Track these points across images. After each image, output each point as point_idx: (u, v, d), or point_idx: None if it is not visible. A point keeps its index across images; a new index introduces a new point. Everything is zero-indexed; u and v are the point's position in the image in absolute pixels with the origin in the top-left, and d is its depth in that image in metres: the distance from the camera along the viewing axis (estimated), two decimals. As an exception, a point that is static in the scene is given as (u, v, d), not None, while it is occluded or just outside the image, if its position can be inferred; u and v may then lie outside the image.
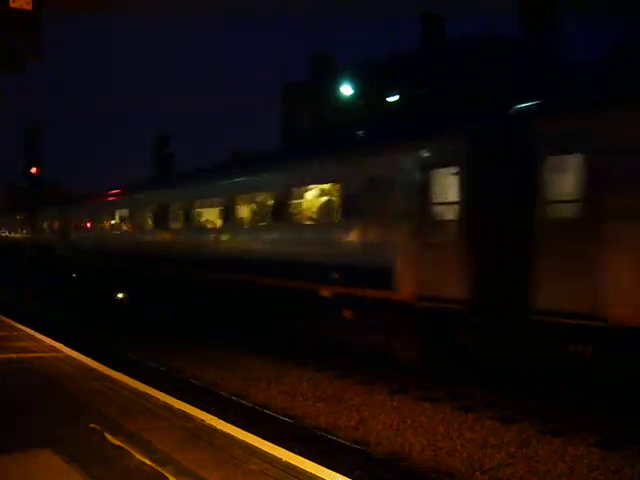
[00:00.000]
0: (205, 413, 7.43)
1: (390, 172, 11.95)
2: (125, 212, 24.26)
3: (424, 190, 11.19)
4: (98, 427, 6.59)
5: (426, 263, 10.99)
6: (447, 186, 10.81)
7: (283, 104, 70.45)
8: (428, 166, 11.14)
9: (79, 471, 5.39)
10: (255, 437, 6.50)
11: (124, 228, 24.43)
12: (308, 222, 14.63)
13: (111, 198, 25.93)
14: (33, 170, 33.85)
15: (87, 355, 11.31)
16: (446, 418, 9.65)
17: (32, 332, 13.96)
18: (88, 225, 28.13)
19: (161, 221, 21.00)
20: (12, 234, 44.44)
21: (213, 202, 18.19)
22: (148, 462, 5.60)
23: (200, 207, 18.96)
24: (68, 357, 10.98)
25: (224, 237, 17.51)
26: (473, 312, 10.28)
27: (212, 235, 18.21)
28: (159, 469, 5.43)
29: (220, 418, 7.26)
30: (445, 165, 10.77)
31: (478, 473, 7.58)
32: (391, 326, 11.96)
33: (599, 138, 8.69)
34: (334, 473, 5.57)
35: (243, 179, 17.20)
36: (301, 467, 5.57)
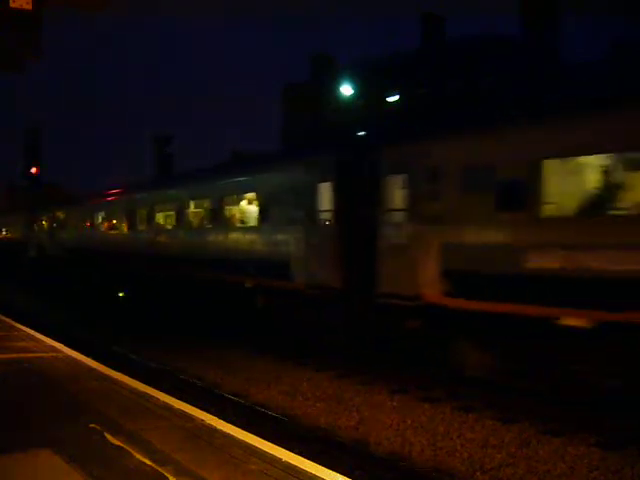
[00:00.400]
0: (205, 413, 7.43)
1: (288, 186, 14.85)
2: (99, 215, 27.32)
3: (312, 200, 13.97)
4: (98, 427, 6.59)
5: (312, 259, 13.85)
6: (325, 197, 13.63)
7: (283, 104, 70.48)
8: (315, 181, 13.91)
9: (79, 471, 5.39)
10: (255, 437, 6.50)
11: (99, 229, 27.26)
12: (238, 225, 17.36)
13: (88, 202, 29.20)
14: (33, 170, 33.88)
15: (87, 355, 11.31)
16: (446, 418, 9.65)
17: (32, 332, 13.96)
18: (71, 226, 31.07)
19: (128, 223, 23.91)
20: (12, 234, 44.75)
21: (170, 207, 21.11)
22: (148, 462, 5.60)
23: (159, 211, 21.80)
24: (68, 357, 10.98)
25: (177, 237, 20.40)
26: (342, 297, 13.13)
27: (168, 235, 21.17)
28: (159, 469, 5.43)
29: (220, 418, 7.26)
30: (325, 181, 13.62)
31: (478, 473, 7.58)
32: (291, 309, 14.95)
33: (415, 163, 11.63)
34: (334, 473, 5.57)
35: (191, 188, 20.06)
36: (301, 467, 5.57)
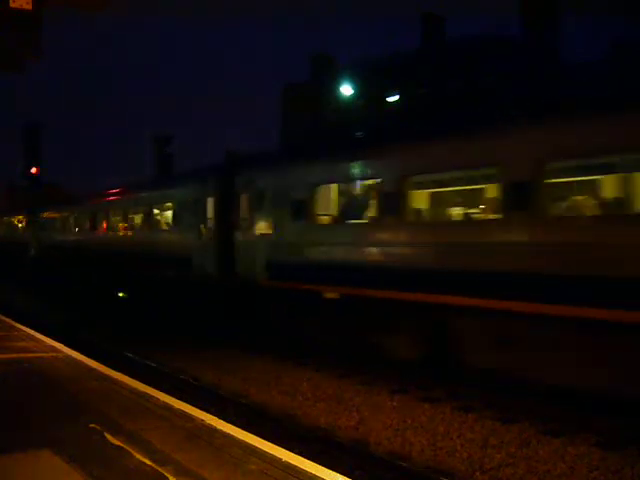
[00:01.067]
0: (205, 413, 7.43)
1: (188, 199, 19.14)
2: (71, 218, 31.12)
3: (203, 210, 18.19)
4: (98, 427, 6.59)
5: (200, 255, 18.12)
6: (210, 208, 17.89)
7: (283, 104, 70.48)
8: (205, 196, 18.12)
9: (79, 471, 5.39)
10: (255, 437, 6.50)
11: (71, 231, 30.95)
12: (163, 228, 21.76)
13: (65, 206, 33.16)
14: (33, 170, 33.87)
15: (87, 355, 11.31)
16: (446, 418, 9.65)
17: (32, 332, 13.97)
18: (51, 227, 34.50)
19: (88, 225, 28.43)
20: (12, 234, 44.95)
21: (120, 212, 25.24)
22: (148, 462, 5.60)
23: (114, 216, 25.94)
24: (68, 357, 10.98)
25: (125, 237, 24.58)
26: (219, 281, 17.29)
27: (119, 235, 25.01)
28: (159, 469, 5.43)
29: (220, 418, 7.26)
30: (210, 196, 17.91)
31: (478, 473, 7.58)
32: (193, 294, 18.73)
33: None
34: (334, 473, 5.57)
35: (134, 197, 24.37)
36: (301, 467, 5.57)
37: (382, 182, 12.58)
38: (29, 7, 8.14)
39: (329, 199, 14.37)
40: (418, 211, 12.50)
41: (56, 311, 23.28)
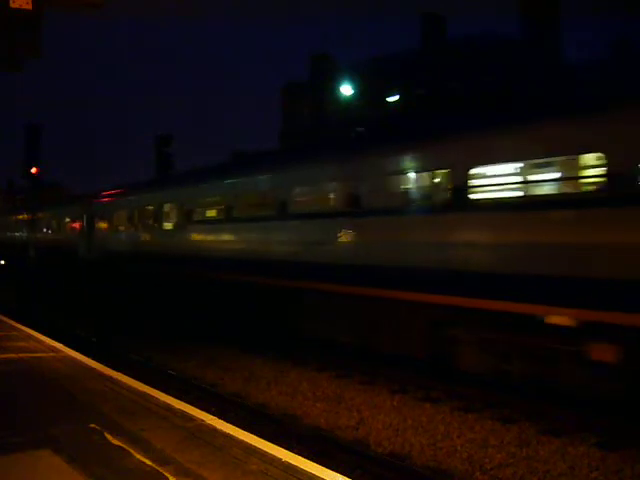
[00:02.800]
0: (205, 413, 7.44)
1: (76, 214, 30.20)
2: (45, 221, 37.48)
3: (82, 221, 28.93)
4: (98, 427, 6.60)
5: (80, 245, 28.94)
6: (84, 220, 28.65)
7: (283, 104, 70.45)
8: (82, 213, 28.87)
9: (79, 471, 5.39)
10: (255, 437, 6.50)
11: (44, 231, 37.37)
12: (64, 231, 33.47)
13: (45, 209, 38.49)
14: (33, 170, 33.90)
15: (87, 355, 11.31)
16: (446, 418, 9.66)
17: (32, 332, 13.97)
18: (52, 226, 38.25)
19: (51, 225, 36.40)
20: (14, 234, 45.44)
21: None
22: (148, 462, 5.60)
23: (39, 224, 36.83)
24: (68, 357, 10.98)
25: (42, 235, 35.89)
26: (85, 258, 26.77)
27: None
28: (159, 469, 5.43)
29: (220, 418, 7.26)
30: (84, 213, 28.68)
31: (478, 473, 7.58)
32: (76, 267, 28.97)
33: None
34: (334, 473, 5.57)
35: (48, 213, 36.24)
36: (301, 467, 5.57)
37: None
38: (29, 7, 8.13)
39: (121, 217, 25.25)
40: None
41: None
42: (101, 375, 9.47)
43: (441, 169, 11.36)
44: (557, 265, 9.13)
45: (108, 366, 10.24)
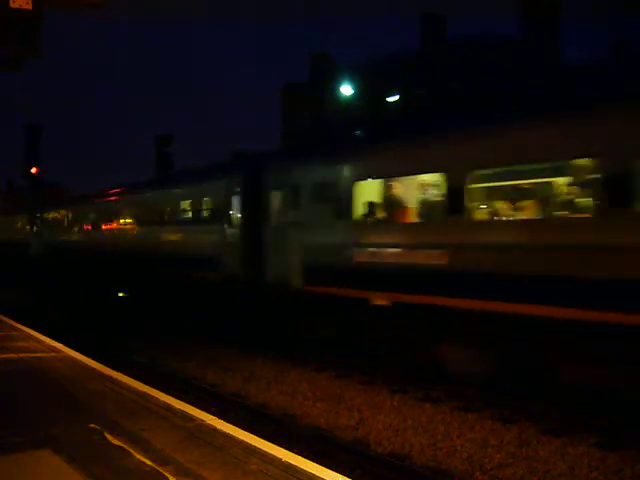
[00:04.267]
0: (205, 413, 7.43)
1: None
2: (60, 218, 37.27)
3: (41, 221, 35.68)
4: (98, 427, 6.59)
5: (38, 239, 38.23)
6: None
7: (283, 104, 70.46)
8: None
9: (79, 471, 5.39)
10: (255, 437, 6.50)
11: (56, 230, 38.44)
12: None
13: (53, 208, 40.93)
14: (33, 170, 33.87)
15: (87, 355, 11.31)
16: (446, 418, 9.65)
17: (32, 332, 13.97)
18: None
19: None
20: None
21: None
22: (148, 462, 5.60)
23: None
24: (68, 357, 10.98)
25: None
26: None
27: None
28: (159, 469, 5.43)
29: (220, 418, 7.26)
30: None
31: (478, 473, 7.58)
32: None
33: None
34: (334, 473, 5.57)
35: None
36: (301, 467, 5.57)
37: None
38: (29, 7, 8.13)
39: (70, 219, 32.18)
40: None
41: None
42: (101, 375, 9.47)
43: None
44: None
45: (108, 366, 10.23)
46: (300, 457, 5.95)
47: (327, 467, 5.71)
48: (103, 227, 27.75)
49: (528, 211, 10.44)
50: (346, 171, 13.44)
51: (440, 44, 54.71)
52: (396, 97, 51.22)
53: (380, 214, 12.79)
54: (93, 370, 9.86)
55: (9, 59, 8.88)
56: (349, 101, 40.42)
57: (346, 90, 33.76)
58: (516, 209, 10.57)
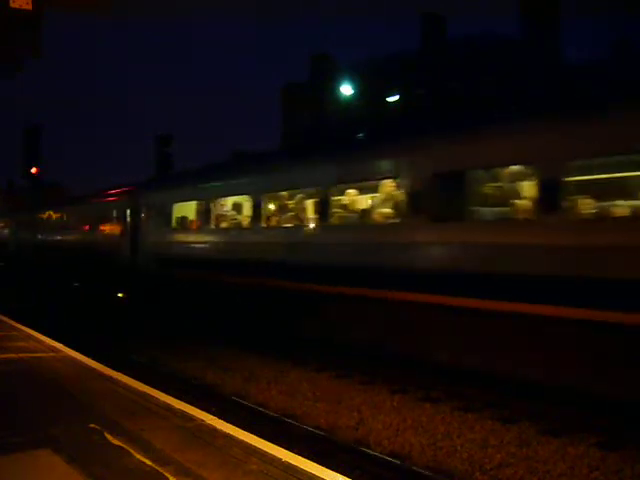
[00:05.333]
0: (205, 413, 7.43)
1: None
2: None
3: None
4: (98, 427, 6.59)
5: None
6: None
7: (283, 104, 70.46)
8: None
9: (79, 471, 5.39)
10: (255, 437, 6.49)
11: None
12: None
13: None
14: (33, 170, 33.87)
15: (87, 355, 11.31)
16: (446, 418, 9.65)
17: (32, 332, 13.96)
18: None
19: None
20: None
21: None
22: (148, 462, 5.60)
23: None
24: (68, 357, 10.97)
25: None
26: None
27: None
28: (159, 469, 5.43)
29: (220, 418, 7.25)
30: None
31: (478, 473, 7.58)
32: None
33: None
34: (334, 473, 5.56)
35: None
36: (301, 467, 5.56)
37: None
38: (29, 7, 8.13)
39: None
40: None
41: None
42: (101, 375, 9.46)
43: None
44: None
45: (108, 366, 10.23)
46: (300, 457, 5.94)
47: (327, 467, 5.71)
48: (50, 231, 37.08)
49: None
50: (169, 196, 21.13)
51: (440, 44, 54.70)
52: (396, 97, 51.22)
53: (185, 224, 20.23)
54: (93, 370, 9.86)
55: (9, 59, 8.88)
56: (349, 101, 40.44)
57: (346, 90, 33.78)
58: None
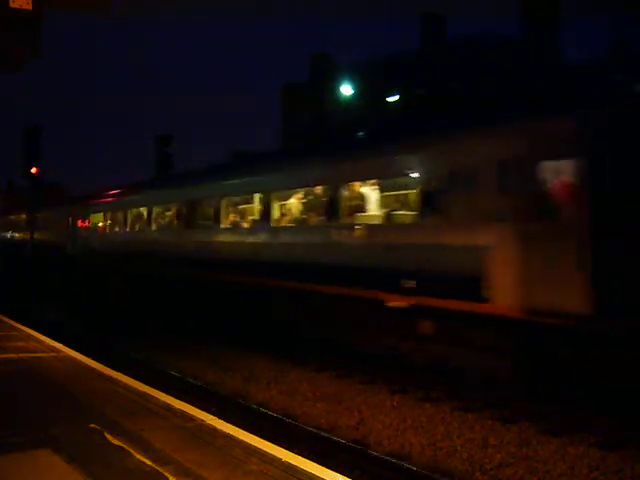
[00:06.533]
0: (205, 413, 7.43)
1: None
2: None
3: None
4: (98, 427, 6.59)
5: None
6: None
7: (283, 104, 70.44)
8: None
9: (79, 471, 5.39)
10: (255, 437, 6.49)
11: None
12: None
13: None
14: (33, 170, 33.93)
15: (87, 355, 11.31)
16: (446, 418, 9.65)
17: (32, 332, 13.96)
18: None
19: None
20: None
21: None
22: (148, 462, 5.60)
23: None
24: (68, 357, 10.97)
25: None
26: None
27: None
28: (159, 469, 5.43)
29: (220, 418, 7.25)
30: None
31: (478, 473, 7.58)
32: None
33: None
34: (334, 473, 5.57)
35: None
36: (301, 467, 5.57)
37: None
38: (29, 7, 8.13)
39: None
40: None
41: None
42: (101, 375, 9.46)
43: None
44: None
45: (108, 366, 10.22)
46: (300, 457, 5.95)
47: (327, 467, 5.71)
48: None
49: None
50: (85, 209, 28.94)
51: (440, 44, 54.69)
52: (396, 97, 51.20)
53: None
54: (93, 370, 9.86)
55: (9, 59, 8.87)
56: (349, 101, 40.42)
57: (346, 90, 33.78)
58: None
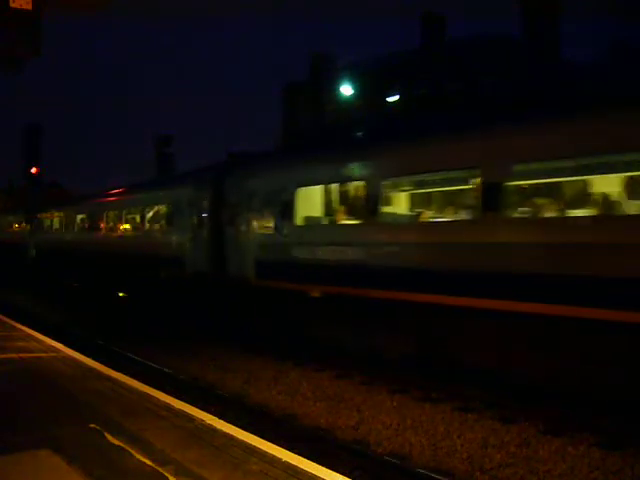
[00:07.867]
0: (205, 413, 7.43)
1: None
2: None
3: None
4: (98, 427, 6.59)
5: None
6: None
7: (283, 104, 70.49)
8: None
9: (79, 471, 5.39)
10: (255, 437, 6.49)
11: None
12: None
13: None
14: (33, 170, 33.90)
15: (87, 355, 11.31)
16: (446, 418, 9.65)
17: (32, 332, 13.97)
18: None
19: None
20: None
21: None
22: (148, 462, 5.60)
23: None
24: (68, 357, 10.98)
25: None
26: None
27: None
28: (159, 469, 5.43)
29: (220, 418, 7.26)
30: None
31: (478, 473, 7.58)
32: None
33: None
34: (334, 473, 5.56)
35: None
36: (301, 467, 5.57)
37: None
38: (29, 7, 8.14)
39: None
40: None
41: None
42: (101, 375, 9.47)
43: None
44: None
45: (108, 366, 10.23)
46: (300, 457, 5.95)
47: (327, 467, 5.71)
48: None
49: None
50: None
51: (440, 44, 54.71)
52: (396, 97, 51.23)
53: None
54: (93, 370, 9.86)
55: (9, 59, 8.88)
56: (349, 101, 40.44)
57: (346, 90, 33.80)
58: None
